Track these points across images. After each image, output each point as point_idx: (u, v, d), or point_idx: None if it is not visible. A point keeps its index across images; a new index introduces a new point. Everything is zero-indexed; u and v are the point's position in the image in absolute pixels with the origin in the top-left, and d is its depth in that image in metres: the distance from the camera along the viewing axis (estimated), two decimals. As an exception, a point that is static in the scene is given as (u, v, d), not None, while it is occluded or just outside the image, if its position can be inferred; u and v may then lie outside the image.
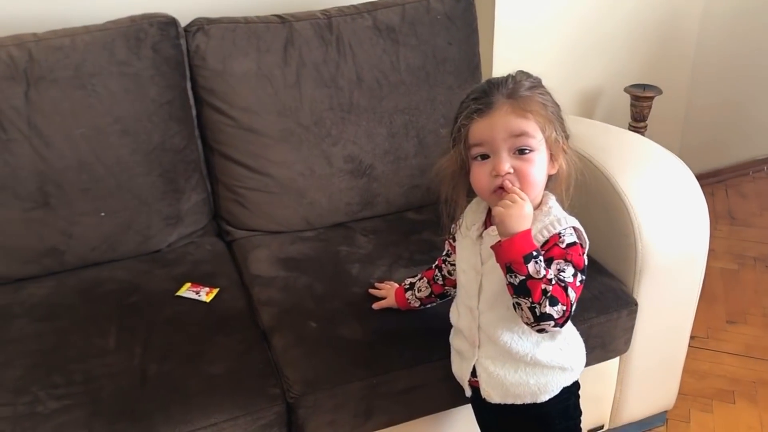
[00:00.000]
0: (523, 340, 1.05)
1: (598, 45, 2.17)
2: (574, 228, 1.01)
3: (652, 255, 1.34)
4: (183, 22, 1.50)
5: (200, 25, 1.50)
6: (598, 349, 1.34)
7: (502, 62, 2.02)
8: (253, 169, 1.55)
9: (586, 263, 1.02)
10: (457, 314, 1.14)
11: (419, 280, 1.26)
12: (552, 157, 1.01)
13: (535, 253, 0.92)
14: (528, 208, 0.95)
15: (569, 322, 1.02)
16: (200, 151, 1.56)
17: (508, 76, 1.01)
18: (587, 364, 1.34)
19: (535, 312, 0.93)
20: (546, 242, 0.98)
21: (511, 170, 0.97)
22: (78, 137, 1.40)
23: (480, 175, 0.99)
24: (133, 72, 1.43)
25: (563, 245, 0.98)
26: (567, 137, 1.04)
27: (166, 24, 1.46)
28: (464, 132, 1.00)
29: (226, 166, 1.56)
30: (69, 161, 1.40)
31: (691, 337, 1.55)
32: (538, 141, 0.97)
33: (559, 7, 2.05)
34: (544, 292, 0.92)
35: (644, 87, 2.16)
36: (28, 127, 1.37)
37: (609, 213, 1.38)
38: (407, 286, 1.27)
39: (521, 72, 1.03)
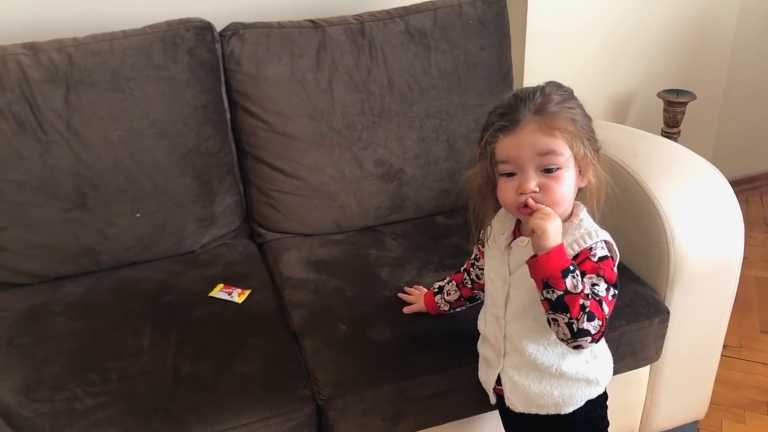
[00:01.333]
0: (549, 352, 1.04)
1: (632, 49, 2.16)
2: (605, 241, 0.99)
3: (685, 263, 1.33)
4: (218, 26, 1.53)
5: (235, 29, 1.52)
6: (628, 357, 1.33)
7: (533, 67, 2.02)
8: (285, 173, 1.57)
9: (617, 276, 1.00)
10: (484, 322, 1.14)
11: (448, 283, 1.26)
12: (581, 172, 0.99)
13: (572, 268, 0.91)
14: (558, 223, 0.93)
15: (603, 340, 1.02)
16: (234, 154, 1.58)
17: (537, 88, 0.98)
18: (617, 372, 1.34)
19: (573, 328, 0.91)
20: (577, 256, 0.96)
21: (537, 189, 0.95)
22: (115, 139, 1.43)
23: (506, 191, 0.98)
24: (169, 76, 1.46)
25: (595, 259, 0.96)
26: (597, 150, 1.01)
27: (202, 29, 1.49)
28: (490, 149, 0.98)
29: (258, 169, 1.58)
30: (106, 163, 1.43)
31: (724, 347, 1.53)
32: (565, 158, 0.95)
33: (592, 11, 2.04)
34: (583, 307, 0.90)
35: (678, 92, 2.14)
36: (67, 129, 1.40)
37: (642, 220, 1.37)
38: (436, 290, 1.27)
39: (552, 84, 1.00)
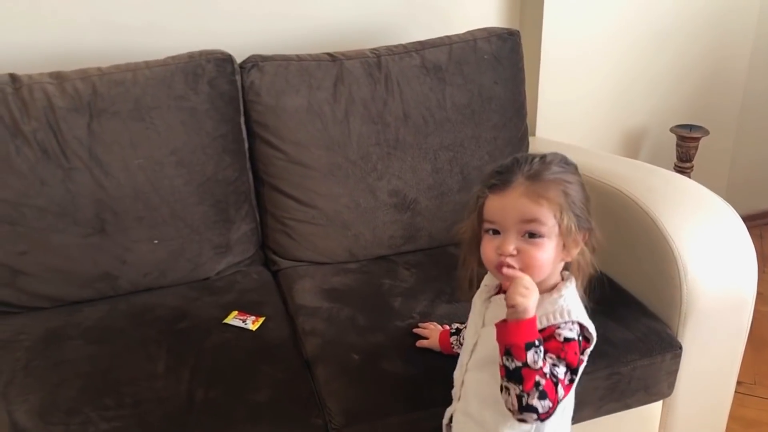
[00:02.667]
0: (493, 412, 1.01)
1: (645, 85, 2.18)
2: (579, 324, 0.97)
3: (698, 298, 1.33)
4: (238, 58, 1.56)
5: (255, 61, 1.56)
6: (641, 392, 1.33)
7: (547, 101, 2.04)
8: (300, 201, 1.59)
9: (584, 362, 0.99)
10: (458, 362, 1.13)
11: (465, 328, 1.25)
12: (565, 246, 0.97)
13: (537, 342, 0.90)
14: (536, 296, 0.92)
15: (557, 422, 1.00)
16: (251, 182, 1.61)
17: (540, 155, 0.99)
18: (629, 406, 1.34)
19: (522, 401, 0.89)
20: (543, 330, 0.94)
21: (515, 252, 0.94)
22: (135, 167, 1.46)
23: (488, 248, 0.97)
24: (190, 106, 1.49)
25: (561, 339, 0.94)
26: (589, 230, 0.99)
27: (222, 60, 1.52)
28: (479, 203, 0.99)
29: (275, 198, 1.61)
30: (126, 190, 1.46)
31: (738, 383, 1.52)
32: (549, 228, 0.94)
33: (606, 46, 2.07)
34: (537, 384, 0.89)
35: (691, 127, 2.15)
36: (89, 156, 1.43)
37: (654, 254, 1.37)
38: (453, 331, 1.26)
39: (557, 154, 1.00)
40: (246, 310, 1.43)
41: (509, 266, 0.95)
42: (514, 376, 0.89)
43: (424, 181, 1.64)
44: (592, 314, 1.36)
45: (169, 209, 1.49)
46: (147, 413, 1.16)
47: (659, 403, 1.42)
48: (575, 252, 0.99)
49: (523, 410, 0.90)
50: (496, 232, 0.97)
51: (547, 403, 0.89)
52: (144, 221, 1.48)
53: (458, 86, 1.65)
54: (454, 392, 1.11)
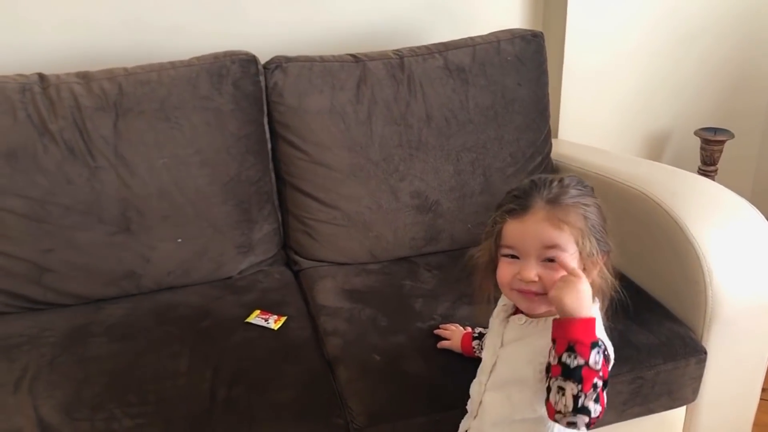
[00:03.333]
0: None
1: (669, 87, 2.16)
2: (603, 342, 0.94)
3: (723, 303, 1.32)
4: (262, 59, 1.57)
5: (279, 62, 1.57)
6: (664, 397, 1.32)
7: (570, 103, 2.03)
8: (322, 202, 1.60)
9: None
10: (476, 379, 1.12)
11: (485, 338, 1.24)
12: (585, 269, 0.95)
13: (600, 344, 0.87)
14: (582, 292, 0.88)
15: None
16: (273, 183, 1.62)
17: (557, 178, 0.98)
18: (653, 411, 1.33)
19: (578, 402, 0.84)
20: None
21: (537, 278, 0.93)
22: (160, 167, 1.47)
23: (505, 272, 0.97)
24: (214, 106, 1.50)
25: None
26: (607, 252, 0.98)
27: (246, 61, 1.53)
28: (497, 228, 0.98)
29: (297, 199, 1.61)
30: (151, 189, 1.47)
31: (763, 390, 1.50)
32: (570, 254, 0.93)
33: (629, 48, 2.05)
34: (594, 386, 0.85)
35: (715, 131, 2.13)
36: (114, 156, 1.45)
37: (679, 258, 1.36)
38: (476, 335, 1.25)
39: (573, 177, 0.99)
40: (268, 309, 1.43)
41: (530, 293, 0.94)
42: (574, 374, 0.84)
43: (446, 182, 1.64)
44: (615, 317, 1.36)
45: (193, 209, 1.51)
46: (170, 411, 1.17)
47: (683, 408, 1.41)
48: (594, 273, 0.97)
49: (577, 411, 0.85)
50: (513, 256, 0.96)
51: (598, 408, 0.86)
52: (168, 220, 1.49)
53: (481, 88, 1.65)
54: (471, 407, 1.09)
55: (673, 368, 1.29)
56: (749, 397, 1.48)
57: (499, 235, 0.97)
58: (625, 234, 1.52)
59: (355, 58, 1.62)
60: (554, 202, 0.94)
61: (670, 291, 1.40)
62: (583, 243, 0.93)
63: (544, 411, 0.94)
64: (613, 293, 1.00)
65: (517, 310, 1.04)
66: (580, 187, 0.98)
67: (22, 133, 1.40)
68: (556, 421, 0.87)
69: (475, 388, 1.09)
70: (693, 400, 1.38)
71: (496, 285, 1.02)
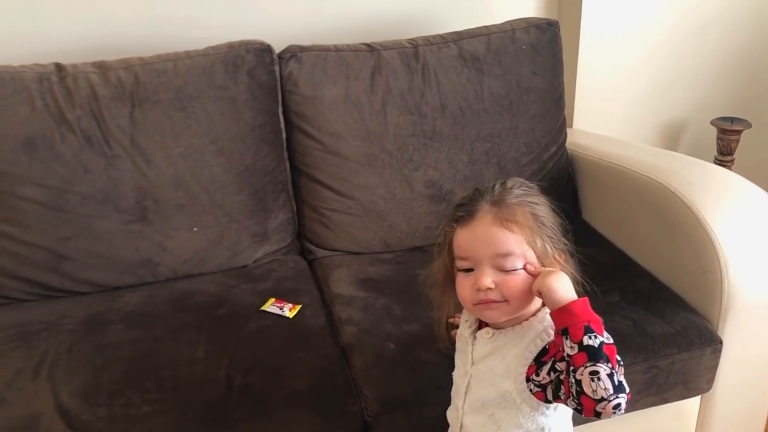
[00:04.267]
0: None
1: (685, 76, 2.14)
2: None
3: (740, 292, 1.31)
4: (277, 49, 1.57)
5: (293, 52, 1.57)
6: (679, 387, 1.31)
7: (585, 92, 2.02)
8: (337, 192, 1.60)
9: None
10: (451, 403, 1.10)
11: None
12: (543, 266, 0.94)
13: (602, 321, 0.86)
14: (563, 278, 0.89)
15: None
16: (288, 172, 1.62)
17: (500, 182, 0.97)
18: (667, 401, 1.33)
19: (614, 380, 0.80)
20: (546, 350, 0.92)
21: (493, 285, 0.92)
22: (176, 156, 1.48)
23: (464, 287, 0.95)
24: (229, 96, 1.51)
25: None
26: (566, 251, 0.97)
27: (261, 51, 1.54)
28: (447, 239, 0.97)
29: (311, 188, 1.62)
30: (167, 178, 1.48)
31: (779, 380, 1.49)
32: (524, 257, 0.92)
33: (645, 37, 2.04)
34: (619, 362, 0.83)
35: (732, 120, 2.11)
36: (131, 145, 1.46)
37: (695, 248, 1.35)
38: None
39: (516, 179, 0.99)
40: (283, 297, 1.44)
41: (489, 302, 0.93)
42: (600, 354, 0.81)
43: (461, 172, 1.64)
44: (629, 307, 1.36)
45: (208, 197, 1.52)
46: (187, 397, 1.18)
47: (697, 398, 1.40)
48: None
49: (617, 390, 0.80)
50: (469, 270, 0.95)
51: (626, 383, 0.82)
52: (184, 209, 1.51)
53: (496, 77, 1.64)
54: None
55: (688, 358, 1.29)
56: (765, 386, 1.47)
57: (450, 247, 0.97)
58: (640, 224, 1.52)
59: (370, 48, 1.61)
60: (499, 203, 0.94)
61: (685, 281, 1.40)
62: (534, 241, 0.92)
63: (530, 424, 0.94)
64: (577, 288, 0.96)
65: (481, 325, 1.02)
66: (524, 188, 0.97)
67: (40, 122, 1.42)
68: (597, 414, 0.81)
69: (452, 415, 1.07)
70: (708, 390, 1.37)
71: (456, 302, 1.01)
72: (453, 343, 1.09)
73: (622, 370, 0.83)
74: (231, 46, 1.53)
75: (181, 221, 1.51)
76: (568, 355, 0.83)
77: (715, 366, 1.34)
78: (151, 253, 1.50)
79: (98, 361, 1.27)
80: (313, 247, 1.66)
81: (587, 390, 0.80)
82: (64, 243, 1.46)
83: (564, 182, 1.74)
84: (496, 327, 0.99)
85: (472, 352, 1.01)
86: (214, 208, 1.52)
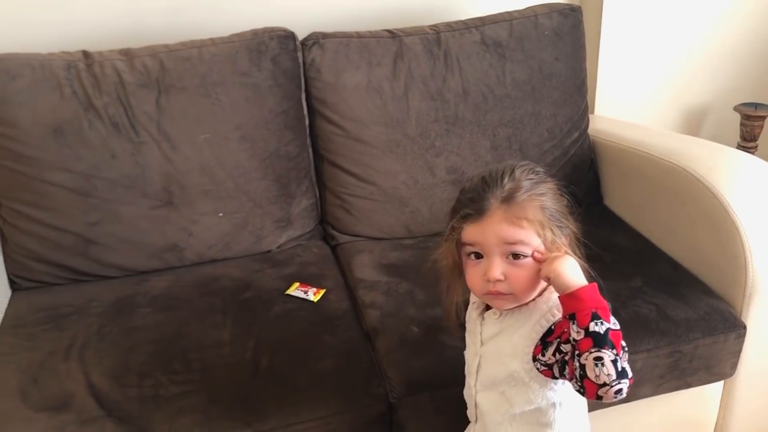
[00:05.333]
0: (511, 430, 1.00)
1: (707, 61, 2.12)
2: None
3: (764, 278, 1.31)
4: (300, 35, 1.58)
5: (316, 39, 1.58)
6: (702, 371, 1.32)
7: (607, 77, 2.01)
8: (359, 178, 1.61)
9: None
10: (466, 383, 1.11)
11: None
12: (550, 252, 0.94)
13: (610, 306, 0.86)
14: (571, 262, 0.89)
15: (576, 426, 0.99)
16: (311, 158, 1.64)
17: (507, 171, 0.95)
18: (690, 385, 1.33)
19: (617, 366, 0.81)
20: (551, 331, 0.92)
21: (502, 278, 0.92)
22: (202, 142, 1.50)
23: (473, 276, 0.96)
24: (253, 82, 1.52)
25: None
26: (570, 234, 0.96)
27: (285, 38, 1.55)
28: (456, 234, 0.97)
29: (334, 174, 1.63)
30: (192, 164, 1.50)
31: (802, 366, 1.49)
32: (533, 247, 0.93)
33: (667, 22, 2.02)
34: (624, 347, 0.84)
35: (756, 105, 2.09)
36: (157, 131, 1.48)
37: (718, 234, 1.35)
38: None
39: (523, 166, 0.97)
40: (306, 282, 1.46)
41: (499, 293, 0.93)
42: (606, 340, 0.82)
43: (483, 158, 1.64)
44: (652, 292, 1.36)
45: (233, 183, 1.53)
46: (214, 378, 1.20)
47: (720, 383, 1.41)
48: None
49: (620, 376, 0.81)
50: (478, 255, 0.95)
51: (629, 369, 0.83)
52: (209, 194, 1.52)
53: (518, 62, 1.64)
54: (470, 413, 1.09)
55: (711, 343, 1.29)
56: (788, 373, 1.47)
57: (459, 239, 0.96)
58: (663, 209, 1.52)
59: (392, 34, 1.62)
60: (509, 200, 0.92)
61: (708, 266, 1.40)
62: (544, 233, 0.92)
63: (540, 400, 0.95)
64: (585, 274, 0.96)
65: (489, 306, 1.03)
66: (532, 176, 0.96)
67: (68, 108, 1.44)
68: (599, 397, 0.82)
69: (466, 393, 1.08)
70: (731, 375, 1.37)
71: (463, 289, 1.01)
72: (463, 325, 1.11)
73: (626, 356, 0.83)
74: (255, 33, 1.54)
75: (207, 206, 1.53)
76: (574, 339, 0.84)
77: (739, 351, 1.34)
78: (177, 238, 1.52)
79: (127, 343, 1.30)
80: (335, 233, 1.67)
81: (590, 374, 0.82)
82: (92, 228, 1.48)
83: (586, 168, 1.74)
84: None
85: (480, 333, 1.03)
86: (239, 193, 1.54)
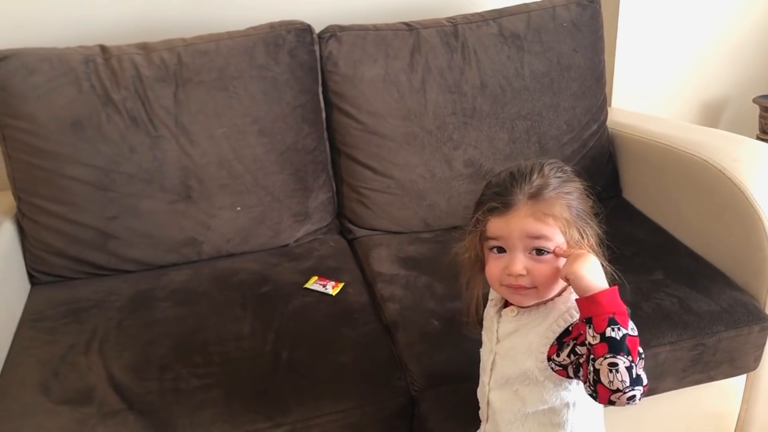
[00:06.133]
0: (523, 430, 0.99)
1: (726, 53, 2.11)
2: None
3: (788, 270, 1.29)
4: (317, 29, 1.58)
5: (333, 32, 1.57)
6: (725, 365, 1.30)
7: (624, 69, 2.00)
8: (376, 171, 1.61)
9: None
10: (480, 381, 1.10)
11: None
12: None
13: (630, 312, 0.85)
14: (593, 263, 0.88)
15: (590, 427, 0.98)
16: (328, 152, 1.63)
17: (536, 168, 0.95)
18: (713, 378, 1.32)
19: (632, 373, 0.80)
20: (568, 331, 0.91)
21: (524, 272, 0.92)
22: (219, 136, 1.50)
23: (494, 268, 0.95)
24: (271, 76, 1.52)
25: None
26: (596, 235, 0.96)
27: (302, 31, 1.54)
28: (480, 227, 0.96)
29: (351, 168, 1.63)
30: (210, 158, 1.50)
31: (826, 360, 1.47)
32: (557, 244, 0.92)
33: (685, 14, 2.00)
34: (640, 354, 0.82)
35: (775, 98, 2.07)
36: (175, 125, 1.48)
37: (742, 226, 1.34)
38: None
39: (552, 163, 0.97)
40: (325, 276, 1.45)
41: (520, 287, 0.93)
42: (622, 345, 0.81)
43: (501, 150, 1.63)
44: (674, 285, 1.35)
45: (251, 177, 1.53)
46: (235, 371, 1.20)
47: (743, 377, 1.39)
48: None
49: (633, 383, 0.80)
50: (501, 250, 0.95)
51: (645, 375, 0.82)
52: (227, 189, 1.52)
53: (537, 54, 1.63)
54: (482, 413, 1.08)
55: (735, 335, 1.28)
56: (812, 366, 1.45)
57: (483, 232, 0.96)
58: (684, 202, 1.51)
59: (409, 27, 1.61)
60: (536, 196, 0.92)
61: (731, 259, 1.38)
62: (570, 232, 0.92)
63: (554, 400, 0.94)
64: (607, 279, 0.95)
65: (507, 303, 1.02)
66: (560, 174, 0.95)
67: (86, 103, 1.44)
68: (611, 402, 0.82)
69: (480, 391, 1.08)
70: (755, 368, 1.36)
71: (484, 281, 1.01)
72: (482, 322, 1.10)
73: (642, 363, 0.82)
74: (272, 27, 1.54)
75: (225, 200, 1.53)
76: (589, 343, 0.83)
77: (763, 344, 1.32)
78: (195, 232, 1.52)
79: (147, 336, 1.30)
80: (352, 227, 1.67)
81: (604, 380, 0.81)
82: (111, 222, 1.48)
83: (605, 161, 1.73)
84: (521, 306, 0.99)
85: (497, 330, 1.02)
86: (257, 187, 1.54)
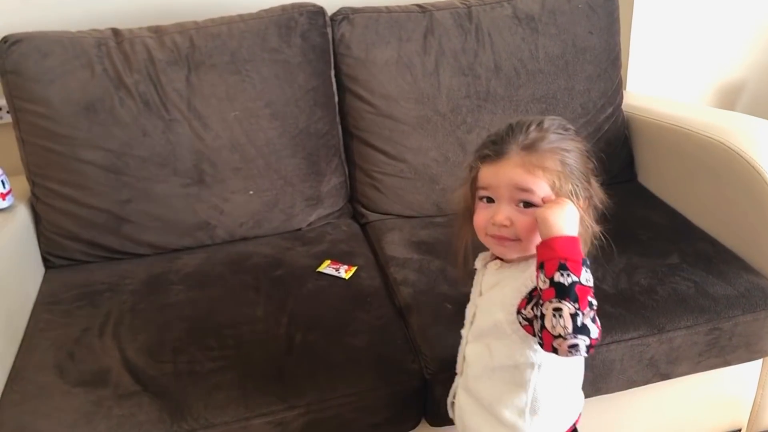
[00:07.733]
0: (489, 387, 0.98)
1: (743, 35, 2.07)
2: None
3: (806, 254, 1.28)
4: (329, 11, 1.57)
5: (345, 14, 1.56)
6: (741, 349, 1.29)
7: (639, 52, 1.97)
8: (389, 155, 1.60)
9: None
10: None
11: None
12: None
13: (587, 262, 0.84)
14: (567, 212, 0.86)
15: (556, 395, 0.97)
16: (340, 136, 1.62)
17: (537, 120, 0.93)
18: (729, 363, 1.31)
19: (577, 321, 0.79)
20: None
21: (507, 223, 0.91)
22: (232, 119, 1.49)
23: (480, 216, 0.95)
24: (283, 59, 1.51)
25: None
26: (588, 199, 0.94)
27: (314, 13, 1.53)
28: (473, 174, 0.96)
29: (364, 152, 1.62)
30: (223, 142, 1.50)
31: (843, 345, 1.46)
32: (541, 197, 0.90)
33: (703, -4, 1.98)
34: (590, 304, 0.81)
35: (794, 80, 2.04)
36: (188, 108, 1.47)
37: (760, 209, 1.32)
38: None
39: (555, 120, 0.95)
40: (337, 259, 1.45)
41: (502, 238, 0.92)
42: (569, 292, 0.80)
43: (515, 134, 1.62)
44: (690, 269, 1.34)
45: (264, 161, 1.53)
46: (249, 354, 1.20)
47: (759, 361, 1.38)
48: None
49: (577, 331, 0.79)
50: (490, 200, 0.94)
51: (596, 329, 0.81)
52: (240, 172, 1.52)
53: (551, 36, 1.61)
54: (458, 366, 1.08)
55: (752, 320, 1.27)
56: (829, 351, 1.44)
57: (474, 181, 0.96)
58: (700, 186, 1.49)
59: (422, 9, 1.60)
60: (530, 148, 0.90)
61: (748, 243, 1.37)
62: (559, 184, 0.90)
63: (519, 357, 0.93)
64: (594, 240, 0.96)
65: (493, 258, 1.02)
66: (560, 131, 0.93)
67: (99, 86, 1.44)
68: (554, 350, 0.81)
69: (460, 345, 1.08)
70: (771, 353, 1.35)
71: (473, 233, 1.00)
72: (471, 275, 1.09)
73: (592, 313, 0.81)
74: (284, 9, 1.53)
75: (238, 184, 1.52)
76: (540, 288, 0.83)
77: (780, 328, 1.31)
78: (208, 216, 1.52)
79: (161, 319, 1.30)
80: (365, 211, 1.66)
81: (547, 325, 0.81)
82: (124, 206, 1.49)
83: (620, 144, 1.71)
84: (504, 259, 0.98)
85: (481, 283, 1.02)
86: (269, 171, 1.54)
